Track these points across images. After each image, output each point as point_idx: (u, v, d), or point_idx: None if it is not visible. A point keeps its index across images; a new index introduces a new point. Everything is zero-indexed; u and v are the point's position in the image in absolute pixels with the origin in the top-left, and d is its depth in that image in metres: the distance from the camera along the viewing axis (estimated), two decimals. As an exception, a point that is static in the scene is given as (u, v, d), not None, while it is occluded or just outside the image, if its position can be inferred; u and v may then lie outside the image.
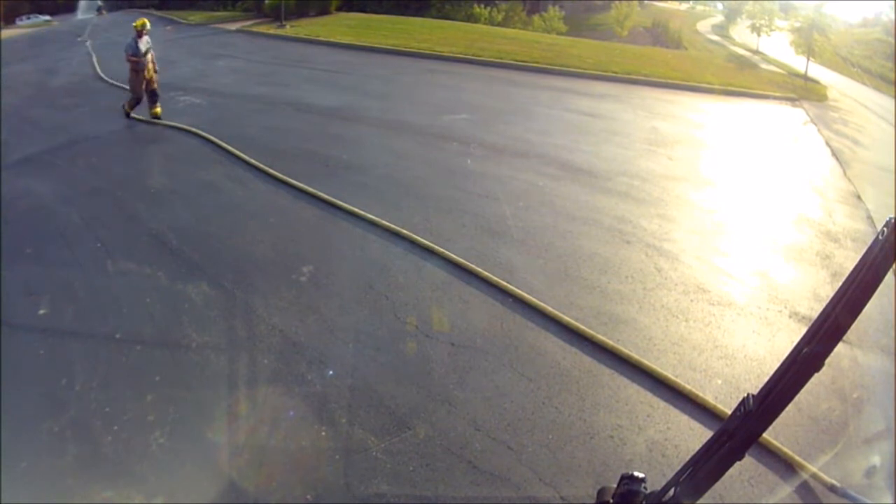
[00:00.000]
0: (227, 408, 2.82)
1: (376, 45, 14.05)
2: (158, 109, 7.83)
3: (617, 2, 21.59)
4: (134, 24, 7.71)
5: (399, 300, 3.66)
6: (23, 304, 3.68)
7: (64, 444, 2.58)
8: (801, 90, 12.82)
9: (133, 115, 7.98)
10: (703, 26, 24.86)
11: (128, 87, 8.04)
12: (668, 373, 3.07)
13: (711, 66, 14.77)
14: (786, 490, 2.49)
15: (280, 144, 6.66)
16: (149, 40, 7.79)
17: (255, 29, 17.37)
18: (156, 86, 7.81)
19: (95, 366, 3.07)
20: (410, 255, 4.22)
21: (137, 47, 7.54)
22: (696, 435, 2.69)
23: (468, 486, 2.40)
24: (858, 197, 6.31)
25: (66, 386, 2.93)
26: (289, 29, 16.79)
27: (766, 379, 0.83)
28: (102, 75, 10.98)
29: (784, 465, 2.56)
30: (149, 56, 7.67)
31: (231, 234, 4.56)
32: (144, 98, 7.74)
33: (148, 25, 7.82)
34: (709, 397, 2.91)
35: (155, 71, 7.82)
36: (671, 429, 2.74)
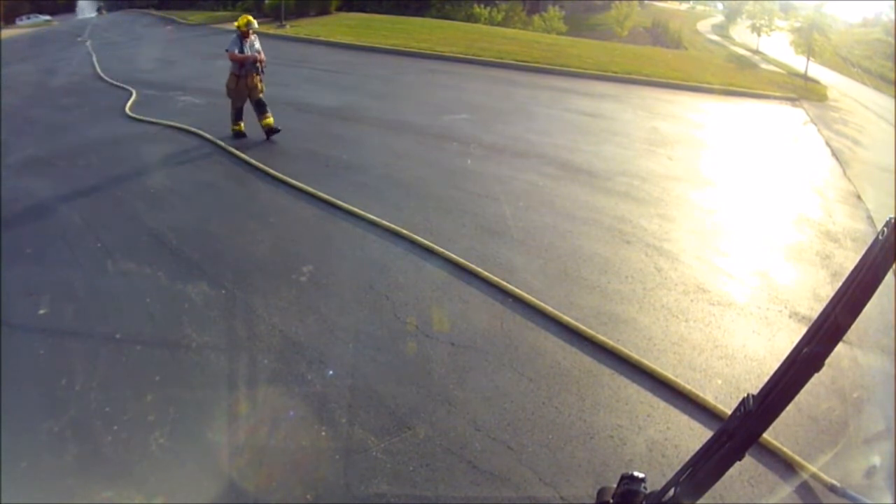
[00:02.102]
0: (227, 408, 2.82)
1: (376, 45, 14.06)
2: (270, 119, 6.66)
3: (617, 2, 21.61)
4: (236, 23, 6.53)
5: (399, 300, 3.66)
6: (23, 304, 3.67)
7: (64, 444, 2.58)
8: (801, 90, 12.84)
9: (133, 114, 7.97)
10: (703, 26, 24.89)
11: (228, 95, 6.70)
12: (668, 373, 3.06)
13: (711, 66, 14.79)
14: (786, 490, 2.49)
15: (280, 144, 6.66)
16: (256, 41, 6.58)
17: (254, 29, 17.33)
18: (262, 94, 6.65)
19: (95, 366, 3.07)
20: (410, 255, 4.22)
21: (242, 47, 6.42)
22: (696, 435, 2.68)
23: (468, 486, 2.40)
24: (858, 197, 6.31)
25: (66, 386, 2.93)
26: (289, 29, 16.79)
27: (766, 379, 0.83)
28: (102, 75, 10.99)
29: (784, 465, 2.56)
30: (257, 58, 6.51)
31: (231, 233, 4.56)
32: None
33: (255, 24, 6.49)
34: (709, 397, 2.91)
35: (262, 69, 6.56)
36: (671, 429, 2.74)
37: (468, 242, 4.41)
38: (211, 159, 6.26)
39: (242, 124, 6.78)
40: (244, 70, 6.46)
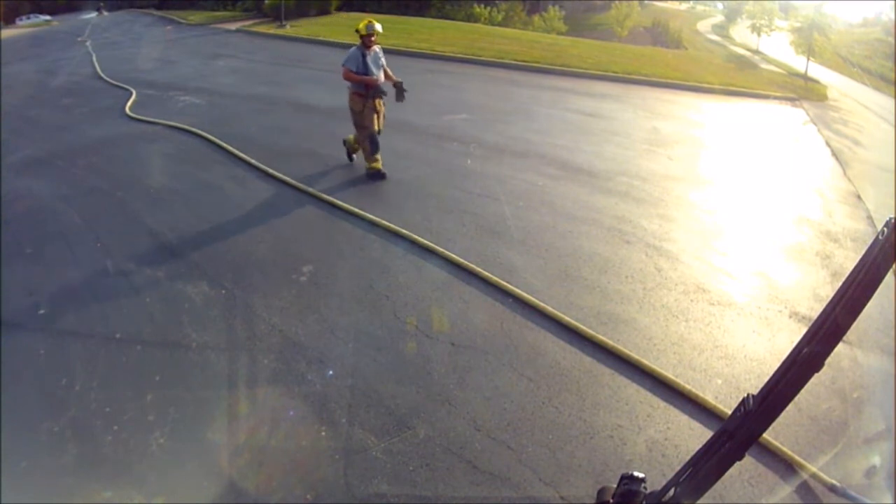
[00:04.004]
0: (226, 408, 2.81)
1: (376, 45, 14.04)
2: (378, 163, 5.36)
3: (617, 2, 21.63)
4: (357, 27, 5.20)
5: (399, 300, 3.66)
6: (23, 304, 3.68)
7: (64, 444, 2.58)
8: (801, 90, 12.85)
9: (132, 114, 7.96)
10: (703, 26, 24.93)
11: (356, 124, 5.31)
12: (668, 373, 3.06)
13: (711, 66, 14.80)
14: (786, 490, 2.49)
15: (280, 144, 6.66)
16: (380, 53, 5.24)
17: (255, 29, 17.39)
18: (381, 128, 5.35)
19: (95, 366, 3.07)
20: (410, 255, 4.22)
21: (364, 62, 5.04)
22: (696, 435, 2.68)
23: (468, 486, 2.40)
24: (858, 197, 6.31)
25: (66, 386, 2.93)
26: (289, 29, 16.81)
27: (766, 379, 0.83)
28: (102, 75, 10.99)
29: (784, 465, 2.56)
30: (381, 75, 5.19)
31: (231, 233, 4.56)
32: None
33: (378, 28, 5.10)
34: (709, 397, 2.91)
35: (401, 92, 5.21)
36: (671, 429, 2.74)
37: (468, 242, 4.41)
38: (211, 159, 6.26)
39: (380, 159, 5.42)
40: (372, 91, 5.14)
